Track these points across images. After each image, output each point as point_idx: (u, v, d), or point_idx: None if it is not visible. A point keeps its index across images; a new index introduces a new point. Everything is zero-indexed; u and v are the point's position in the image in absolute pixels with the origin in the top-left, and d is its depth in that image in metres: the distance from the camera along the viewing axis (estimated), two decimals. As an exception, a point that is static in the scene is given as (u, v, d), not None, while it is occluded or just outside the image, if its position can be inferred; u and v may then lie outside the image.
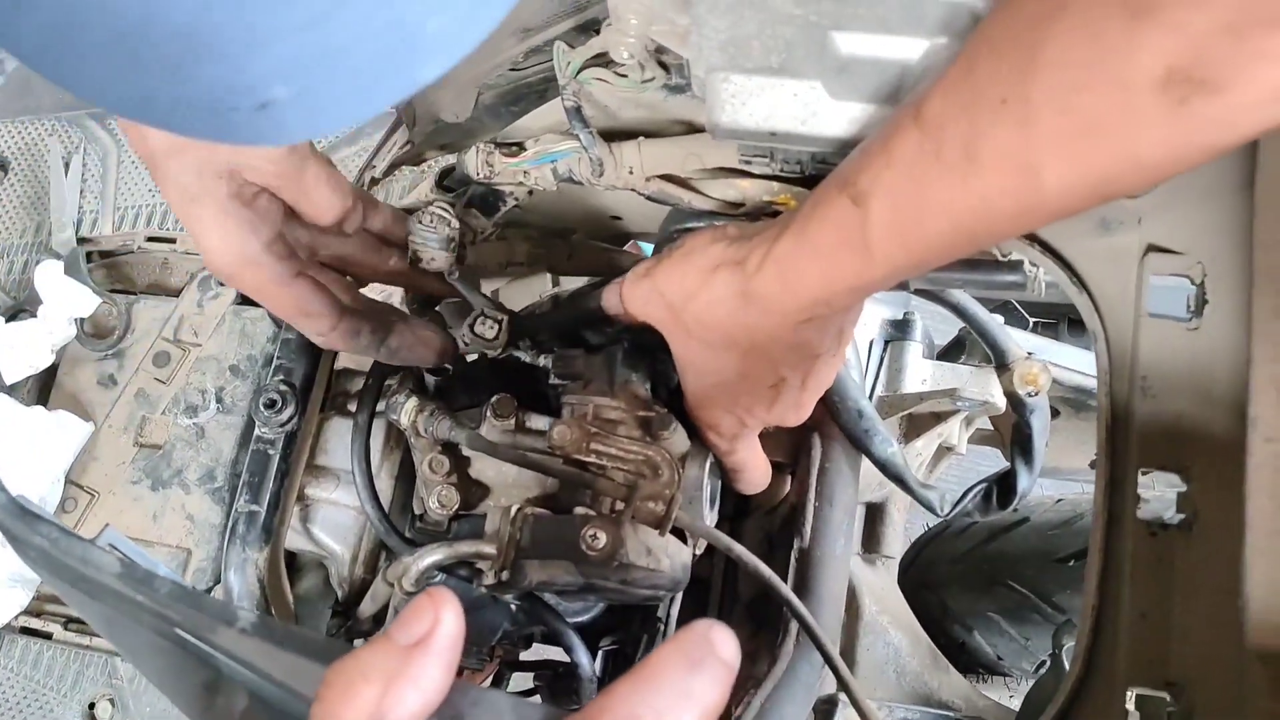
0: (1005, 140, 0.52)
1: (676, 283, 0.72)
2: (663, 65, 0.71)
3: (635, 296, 0.75)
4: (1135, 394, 0.65)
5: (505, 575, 0.76)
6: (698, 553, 0.84)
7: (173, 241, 1.09)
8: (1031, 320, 1.16)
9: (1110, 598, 0.61)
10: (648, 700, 0.38)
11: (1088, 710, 0.59)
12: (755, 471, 0.83)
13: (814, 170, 0.75)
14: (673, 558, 0.77)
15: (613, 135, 0.80)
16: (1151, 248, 0.67)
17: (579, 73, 0.72)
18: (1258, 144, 0.60)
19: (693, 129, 0.79)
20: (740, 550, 0.76)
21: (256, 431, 0.91)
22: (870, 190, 0.58)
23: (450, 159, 0.94)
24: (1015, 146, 0.52)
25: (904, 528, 1.06)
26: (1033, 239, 0.71)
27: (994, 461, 1.09)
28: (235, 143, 0.42)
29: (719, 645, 0.40)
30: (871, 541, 1.03)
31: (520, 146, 0.84)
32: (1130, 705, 0.57)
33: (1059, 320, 1.15)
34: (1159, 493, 0.62)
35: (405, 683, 0.39)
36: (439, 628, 0.40)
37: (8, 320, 1.05)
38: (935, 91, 0.55)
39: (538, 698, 0.94)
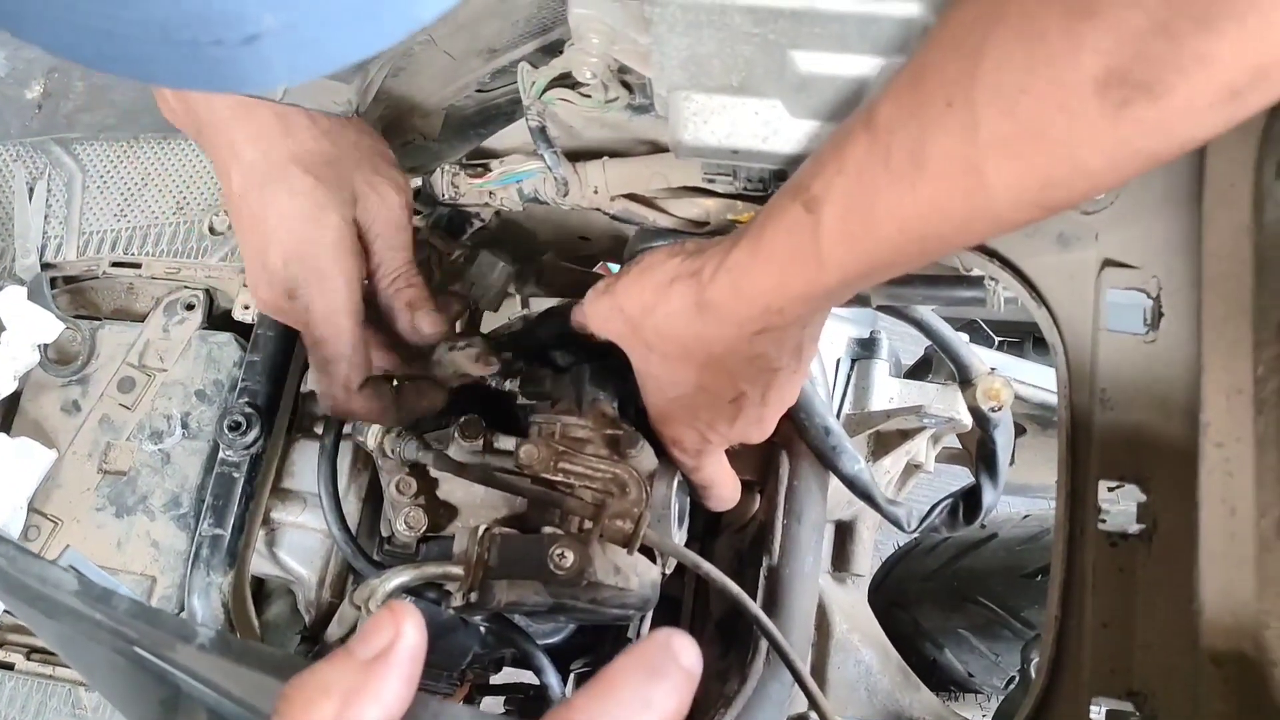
0: (950, 144, 0.52)
1: (635, 298, 0.72)
2: (626, 85, 0.72)
3: (596, 313, 0.76)
4: (1095, 406, 0.66)
5: (474, 596, 0.76)
6: (667, 571, 0.84)
7: (138, 266, 1.09)
8: (997, 339, 1.17)
9: (1073, 608, 0.62)
10: (607, 710, 0.38)
11: (1055, 714, 0.59)
12: (724, 488, 0.83)
13: (776, 188, 0.75)
14: (641, 576, 0.77)
15: (577, 155, 0.81)
16: (1108, 262, 0.68)
17: (543, 93, 0.73)
18: (1205, 154, 0.61)
19: (657, 148, 0.79)
20: (708, 568, 0.76)
21: (221, 454, 0.90)
22: (822, 196, 0.58)
23: (417, 181, 0.94)
24: (960, 150, 0.52)
25: (873, 546, 1.06)
26: (993, 254, 0.72)
27: (963, 480, 1.10)
28: (213, 87, 0.38)
29: (679, 653, 0.40)
30: (841, 560, 1.03)
31: (485, 167, 0.84)
32: (1095, 715, 0.58)
33: (1024, 339, 1.16)
34: (1119, 503, 0.62)
35: (365, 697, 0.39)
36: (400, 641, 0.40)
37: (-30, 347, 1.04)
38: (885, 98, 0.55)
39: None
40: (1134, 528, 0.62)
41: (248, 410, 0.89)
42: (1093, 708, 0.58)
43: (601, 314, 0.75)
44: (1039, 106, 0.49)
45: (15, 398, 1.04)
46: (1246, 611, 0.51)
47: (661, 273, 0.69)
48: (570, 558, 0.72)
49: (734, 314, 0.66)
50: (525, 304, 1.16)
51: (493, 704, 0.96)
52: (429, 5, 0.36)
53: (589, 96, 0.72)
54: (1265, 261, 0.54)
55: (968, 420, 0.97)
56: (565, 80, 0.72)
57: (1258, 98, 0.47)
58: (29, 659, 0.98)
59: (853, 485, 0.88)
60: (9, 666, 0.98)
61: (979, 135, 0.51)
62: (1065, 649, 0.61)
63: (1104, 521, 0.62)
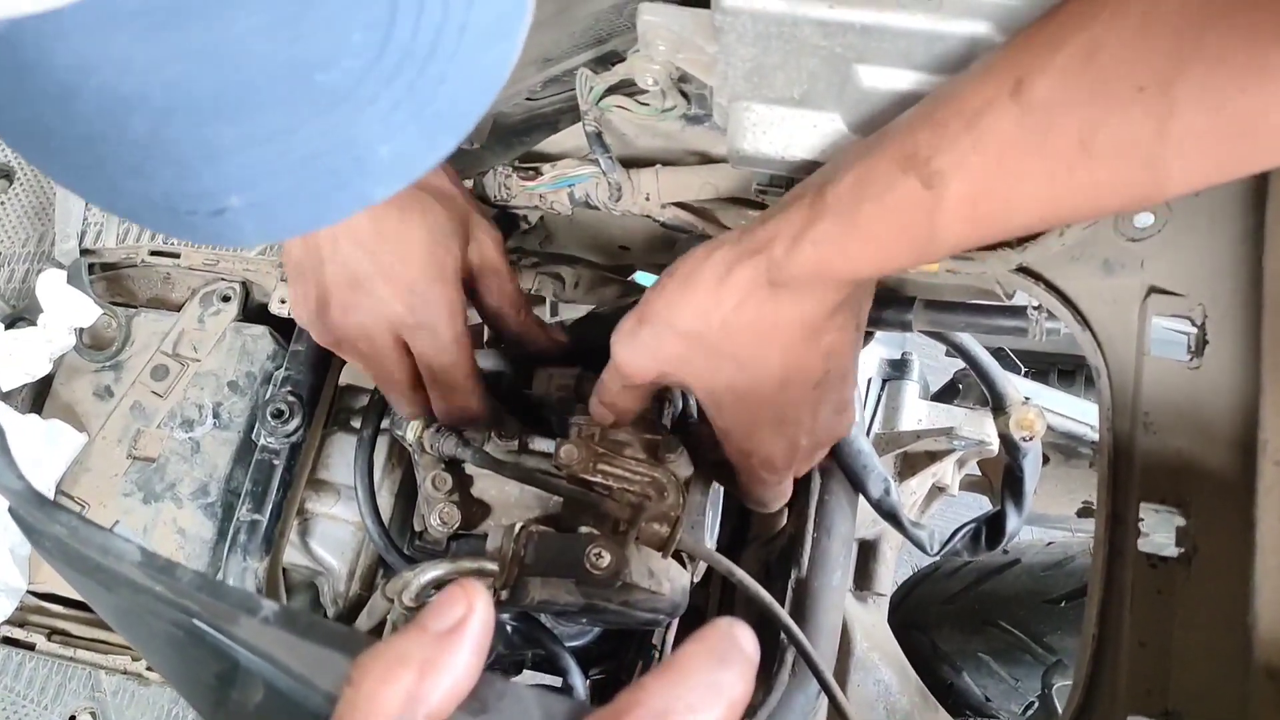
0: (1134, 132, 0.49)
1: (688, 307, 0.69)
2: (684, 94, 0.73)
3: (636, 355, 0.72)
4: (1138, 430, 0.66)
5: (506, 593, 0.76)
6: (696, 579, 0.85)
7: (176, 256, 1.10)
8: (1024, 369, 1.18)
9: (1110, 627, 0.62)
10: (678, 694, 0.39)
11: (1089, 735, 0.60)
12: (785, 496, 0.83)
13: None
14: (674, 581, 0.78)
15: (628, 163, 0.82)
16: (1153, 289, 0.69)
17: (601, 99, 0.74)
18: (1267, 176, 0.62)
19: (707, 160, 0.80)
20: (741, 574, 0.76)
21: (261, 441, 0.91)
22: (949, 172, 0.54)
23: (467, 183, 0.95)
24: (1145, 139, 0.49)
25: (894, 569, 1.06)
26: (1038, 278, 0.73)
27: (980, 507, 1.10)
28: (193, 241, 0.46)
29: (743, 641, 0.41)
30: (864, 579, 1.04)
31: (538, 171, 0.85)
32: (1132, 731, 0.58)
33: (1049, 369, 1.17)
34: (1159, 527, 0.63)
35: (441, 668, 0.40)
36: (473, 614, 0.41)
37: (7, 327, 1.05)
38: (1043, 72, 0.51)
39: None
40: (1173, 550, 0.62)
41: (290, 399, 0.90)
42: (1129, 725, 0.59)
43: (646, 350, 0.72)
44: (1253, 108, 0.46)
45: (48, 380, 1.05)
46: (1306, 628, 0.52)
47: (711, 269, 0.67)
48: (607, 558, 0.73)
49: (818, 286, 0.63)
50: (554, 311, 1.17)
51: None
52: (381, 188, 0.41)
53: (646, 105, 0.74)
54: (1328, 284, 0.56)
55: (995, 446, 0.98)
56: (623, 87, 0.73)
57: None
58: (50, 639, 0.98)
59: (879, 506, 0.89)
60: (30, 647, 0.98)
61: (1171, 126, 0.48)
62: (1101, 667, 0.62)
63: (1144, 544, 0.63)
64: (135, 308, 1.08)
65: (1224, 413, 0.63)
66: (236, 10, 0.33)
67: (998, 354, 1.17)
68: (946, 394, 1.13)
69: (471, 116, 0.42)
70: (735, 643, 0.41)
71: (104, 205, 0.43)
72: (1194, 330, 0.67)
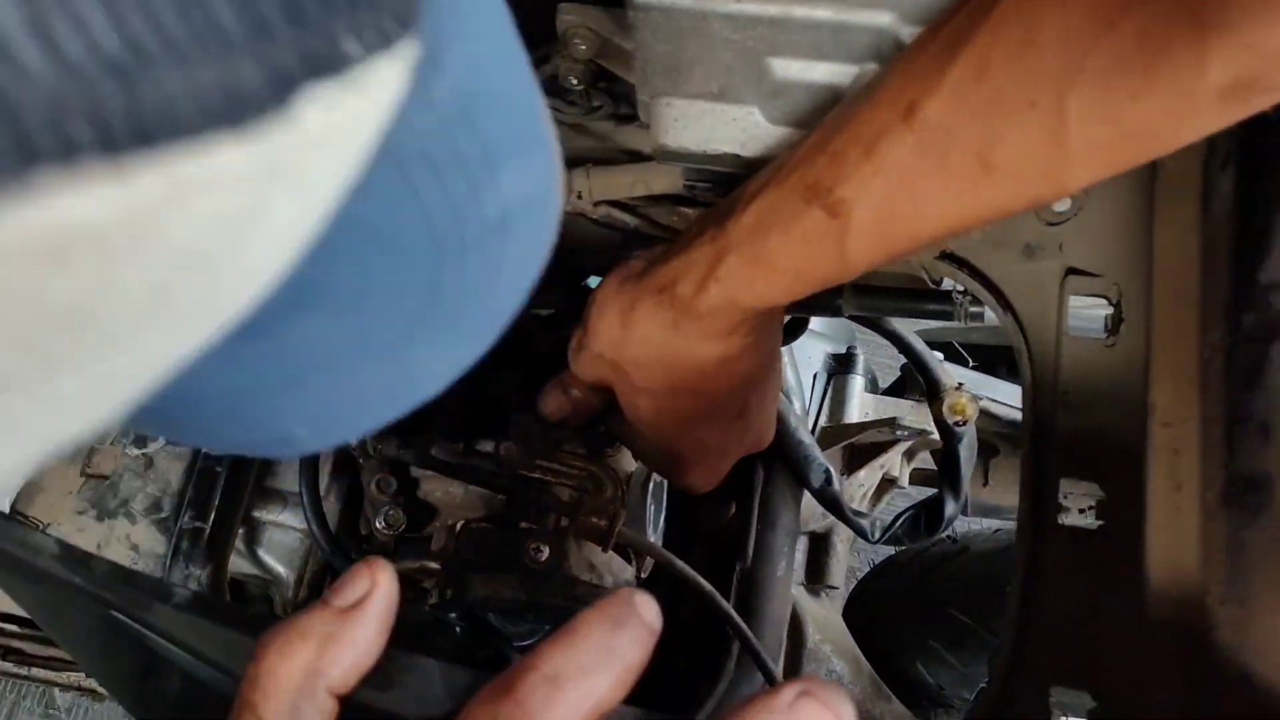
0: (1031, 146, 0.50)
1: (603, 336, 0.70)
2: (610, 94, 0.74)
3: (581, 371, 0.75)
4: (1058, 408, 0.68)
5: (449, 592, 0.77)
6: (642, 575, 0.86)
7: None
8: (971, 361, 1.19)
9: (1033, 599, 0.63)
10: (571, 657, 0.40)
11: (1015, 707, 0.60)
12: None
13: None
14: (616, 575, 0.79)
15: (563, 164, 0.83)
16: (1071, 270, 0.70)
17: (529, 100, 0.75)
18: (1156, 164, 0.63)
19: (638, 158, 0.81)
20: (681, 565, 0.77)
21: (204, 450, 0.92)
22: (853, 200, 0.55)
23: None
24: (1043, 153, 0.50)
25: (848, 560, 1.07)
26: (962, 263, 0.74)
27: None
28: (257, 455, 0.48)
29: (641, 608, 0.41)
30: (815, 572, 1.04)
31: (472, 174, 0.86)
32: (1054, 701, 0.59)
33: (998, 363, 1.18)
34: (1078, 501, 0.64)
35: (342, 643, 0.40)
36: (376, 590, 0.42)
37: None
38: (934, 94, 0.52)
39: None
40: (1092, 524, 0.63)
41: (233, 408, 0.90)
42: (1051, 695, 0.60)
43: (585, 369, 0.75)
44: (1151, 111, 0.48)
45: (1, 400, 1.05)
46: (1190, 580, 0.53)
47: (617, 302, 0.68)
48: (546, 551, 0.73)
49: (726, 322, 0.64)
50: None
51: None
52: (425, 394, 0.40)
53: (574, 105, 0.75)
54: (1211, 251, 0.57)
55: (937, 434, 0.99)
56: (550, 89, 0.74)
57: None
58: (4, 659, 0.98)
59: (820, 496, 0.90)
60: (-16, 666, 0.98)
61: (1066, 138, 0.49)
62: (1026, 639, 0.63)
63: (1064, 517, 0.64)
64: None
65: (1138, 388, 0.65)
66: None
67: (946, 348, 1.19)
68: (897, 389, 1.14)
69: (508, 314, 0.40)
70: (633, 609, 0.41)
71: (182, 441, 0.45)
72: (1110, 309, 0.69)
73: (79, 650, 0.56)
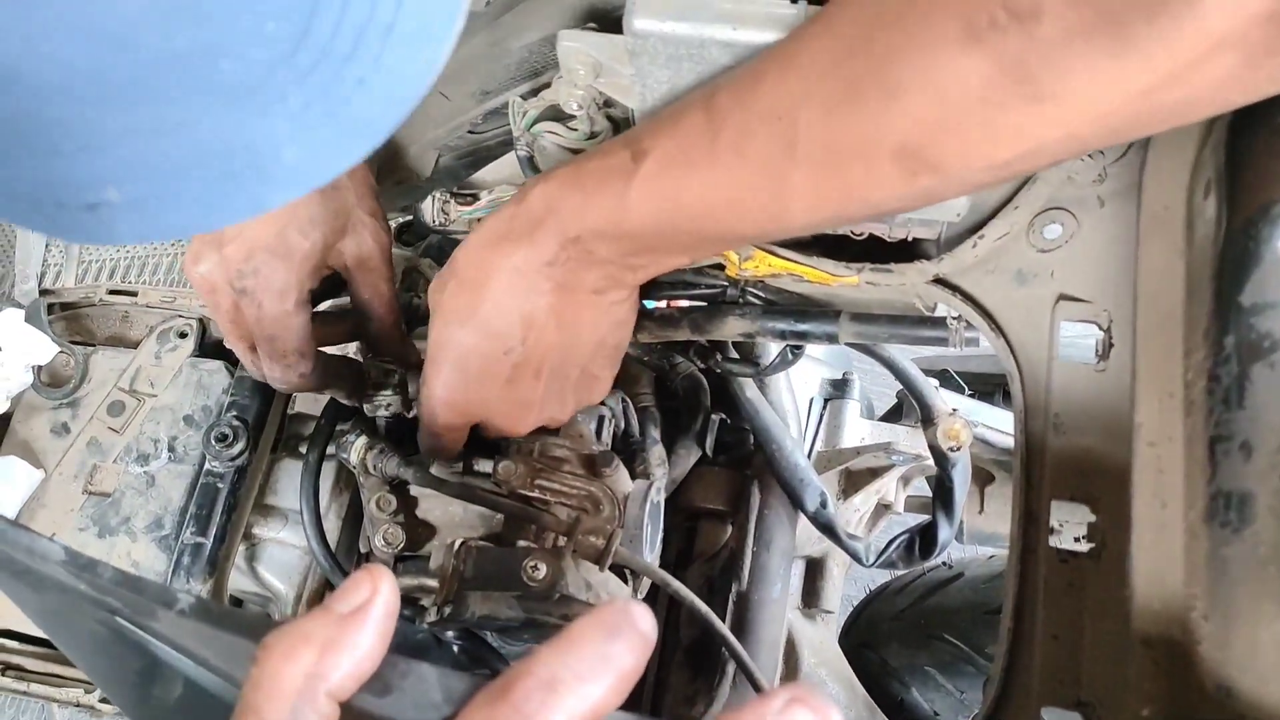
0: (771, 151, 0.59)
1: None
2: (610, 120, 0.76)
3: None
4: (1049, 431, 0.69)
5: (448, 610, 0.77)
6: (639, 595, 0.86)
7: (134, 294, 1.12)
8: (968, 389, 1.20)
9: (1025, 623, 0.64)
10: (567, 663, 0.40)
11: (1004, 727, 0.61)
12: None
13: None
14: (613, 595, 0.79)
15: (564, 190, 0.84)
16: (1063, 297, 0.72)
17: (533, 125, 0.77)
18: (1142, 183, 0.65)
19: (639, 184, 0.83)
20: (677, 585, 0.78)
21: (206, 465, 0.93)
22: (649, 150, 0.63)
23: (407, 216, 0.98)
24: (777, 159, 0.58)
25: (843, 585, 1.08)
26: (955, 289, 0.75)
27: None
28: (60, 239, 0.41)
29: (636, 617, 0.42)
30: (811, 596, 1.05)
31: (475, 197, 0.88)
32: (1043, 721, 0.60)
33: (994, 390, 1.19)
34: (1069, 523, 0.65)
35: (342, 648, 0.41)
36: (376, 597, 0.43)
37: (-36, 366, 1.06)
38: (729, 86, 0.61)
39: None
40: (1083, 546, 0.64)
41: (235, 423, 0.91)
42: (1043, 716, 0.60)
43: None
44: (843, 161, 0.57)
45: (6, 418, 1.06)
46: (1175, 597, 0.54)
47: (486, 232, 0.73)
48: (543, 570, 0.74)
49: (546, 235, 0.69)
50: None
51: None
52: (279, 195, 0.38)
53: (575, 130, 0.76)
54: (1194, 276, 0.58)
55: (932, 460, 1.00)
56: (554, 113, 0.76)
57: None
58: (4, 674, 0.98)
59: (815, 519, 0.91)
60: (-17, 682, 0.98)
61: (796, 153, 0.58)
62: (1016, 661, 0.64)
63: (1055, 540, 0.65)
64: (94, 346, 1.09)
65: (1128, 412, 0.66)
66: None
67: (942, 375, 1.20)
68: (892, 416, 1.15)
69: (389, 124, 0.39)
70: (629, 617, 0.42)
71: None
72: (1101, 335, 0.70)
73: (84, 658, 0.57)
